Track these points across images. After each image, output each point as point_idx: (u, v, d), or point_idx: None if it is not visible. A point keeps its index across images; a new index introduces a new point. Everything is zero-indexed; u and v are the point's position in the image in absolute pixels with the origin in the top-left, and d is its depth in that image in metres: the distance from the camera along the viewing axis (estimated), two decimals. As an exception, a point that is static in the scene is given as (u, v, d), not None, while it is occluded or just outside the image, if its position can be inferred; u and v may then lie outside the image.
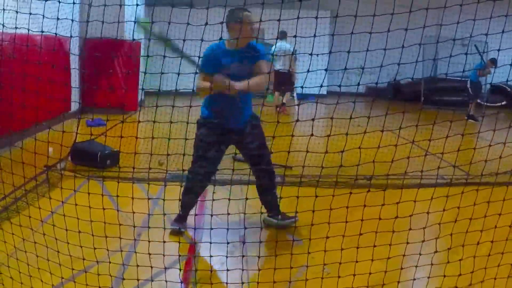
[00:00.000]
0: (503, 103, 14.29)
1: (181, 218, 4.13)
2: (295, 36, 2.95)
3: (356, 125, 2.87)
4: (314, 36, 2.41)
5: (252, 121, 3.99)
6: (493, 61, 11.69)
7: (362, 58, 2.62)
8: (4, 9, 3.34)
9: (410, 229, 2.80)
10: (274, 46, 10.13)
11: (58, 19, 2.97)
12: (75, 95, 9.12)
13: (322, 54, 2.93)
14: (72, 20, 3.37)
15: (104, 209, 2.84)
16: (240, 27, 3.63)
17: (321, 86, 2.96)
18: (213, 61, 3.77)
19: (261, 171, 4.06)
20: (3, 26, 3.36)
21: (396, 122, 2.89)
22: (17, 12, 3.05)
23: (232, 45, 3.81)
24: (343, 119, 2.63)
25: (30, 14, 2.94)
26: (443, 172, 4.92)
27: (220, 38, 3.35)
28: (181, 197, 4.04)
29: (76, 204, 2.85)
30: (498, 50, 2.78)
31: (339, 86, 2.44)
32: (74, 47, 9.40)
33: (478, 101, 12.56)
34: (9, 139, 4.92)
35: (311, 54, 2.56)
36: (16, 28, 3.08)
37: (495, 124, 2.87)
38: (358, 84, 2.30)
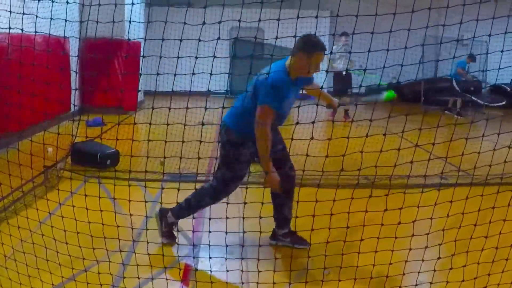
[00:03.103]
0: (503, 103, 14.22)
1: (171, 229, 3.75)
2: (294, 36, 2.90)
3: (356, 125, 2.82)
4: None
5: (222, 134, 3.61)
6: (472, 57, 11.82)
7: (362, 58, 2.57)
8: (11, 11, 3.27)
9: (413, 235, 2.75)
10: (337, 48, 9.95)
11: (66, 20, 2.91)
12: (74, 96, 9.07)
13: (329, 53, 2.88)
14: (76, 21, 3.33)
15: (101, 211, 2.79)
16: (310, 59, 3.28)
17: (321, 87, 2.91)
18: (282, 94, 3.37)
19: None
20: (10, 28, 3.31)
21: (397, 122, 2.83)
22: (23, 14, 3.00)
23: (293, 75, 3.41)
24: (344, 121, 2.58)
25: (25, 14, 2.89)
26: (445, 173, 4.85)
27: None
28: (192, 200, 3.63)
29: (73, 206, 2.81)
30: (501, 51, 2.72)
31: (343, 90, 2.39)
32: (74, 48, 9.35)
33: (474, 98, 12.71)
34: (8, 139, 4.88)
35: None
36: (22, 30, 3.04)
37: (499, 127, 2.81)
38: (360, 86, 2.25)
